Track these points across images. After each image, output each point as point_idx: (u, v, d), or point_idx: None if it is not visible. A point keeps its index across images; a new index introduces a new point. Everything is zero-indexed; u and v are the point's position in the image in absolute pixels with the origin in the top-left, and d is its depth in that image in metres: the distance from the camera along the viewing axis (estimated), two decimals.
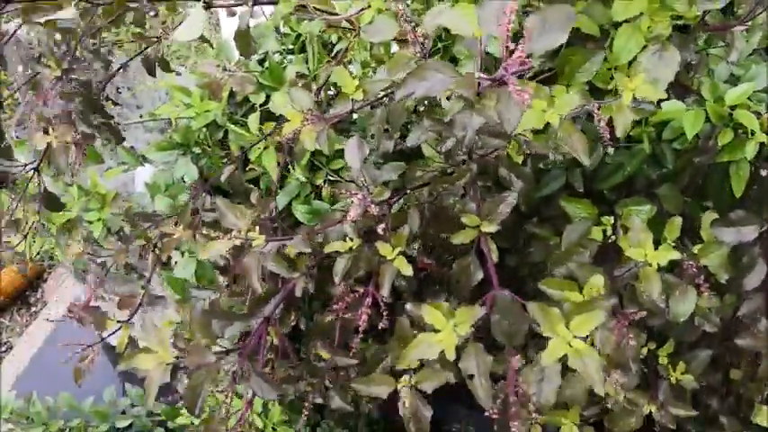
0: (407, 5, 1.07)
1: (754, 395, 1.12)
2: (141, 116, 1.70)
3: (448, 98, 0.90)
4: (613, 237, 1.04)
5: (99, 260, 1.26)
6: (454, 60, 1.15)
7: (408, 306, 0.94)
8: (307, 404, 1.05)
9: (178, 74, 1.50)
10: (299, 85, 1.32)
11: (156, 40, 1.25)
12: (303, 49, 1.46)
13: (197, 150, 1.48)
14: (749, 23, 1.00)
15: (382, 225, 1.00)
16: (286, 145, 1.28)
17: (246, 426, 0.90)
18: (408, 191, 1.11)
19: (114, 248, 1.28)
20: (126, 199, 1.54)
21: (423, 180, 1.11)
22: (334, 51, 1.42)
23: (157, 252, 1.22)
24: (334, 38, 1.43)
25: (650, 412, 1.08)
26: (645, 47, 0.92)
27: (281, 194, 1.41)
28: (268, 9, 1.31)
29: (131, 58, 1.31)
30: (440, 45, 1.25)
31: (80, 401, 1.92)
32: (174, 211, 1.37)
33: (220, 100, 1.43)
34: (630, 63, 0.94)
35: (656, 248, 0.96)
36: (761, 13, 0.99)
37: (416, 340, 0.84)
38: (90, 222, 1.46)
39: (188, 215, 1.20)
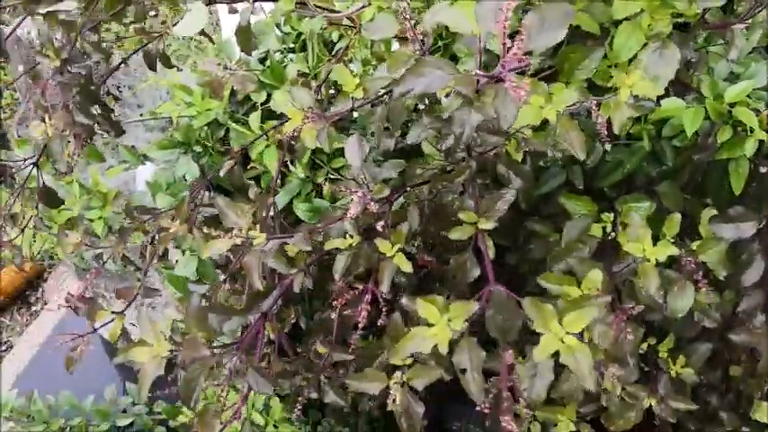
0: (408, 3, 1.07)
1: (753, 391, 1.12)
2: (142, 115, 1.70)
3: (447, 95, 0.90)
4: (613, 234, 1.05)
5: (96, 252, 1.26)
6: (455, 58, 1.15)
7: (404, 301, 0.94)
8: (301, 398, 1.05)
9: (179, 69, 1.50)
10: (300, 83, 1.32)
11: (157, 34, 1.25)
12: (304, 48, 1.47)
13: (198, 149, 1.49)
14: (749, 21, 1.00)
15: (382, 222, 1.00)
16: (287, 143, 1.28)
17: (244, 421, 0.89)
18: (408, 188, 1.11)
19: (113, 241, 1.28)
20: (127, 198, 1.54)
21: (423, 178, 1.11)
22: (335, 49, 1.42)
23: (155, 245, 1.22)
24: (335, 36, 1.44)
25: (650, 410, 1.09)
26: (645, 44, 0.93)
27: (282, 193, 1.41)
28: (268, 7, 1.31)
29: (133, 52, 1.31)
30: (441, 43, 1.26)
31: (81, 400, 1.92)
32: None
33: (222, 98, 1.43)
34: (631, 61, 0.94)
35: (654, 245, 0.97)
36: (760, 10, 0.99)
37: (410, 334, 0.84)
38: (91, 221, 1.47)
39: (185, 209, 1.19)
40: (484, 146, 1.03)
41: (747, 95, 1.06)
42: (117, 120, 1.23)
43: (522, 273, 1.20)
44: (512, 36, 0.73)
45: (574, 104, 0.91)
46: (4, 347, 2.69)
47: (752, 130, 1.04)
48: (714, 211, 1.01)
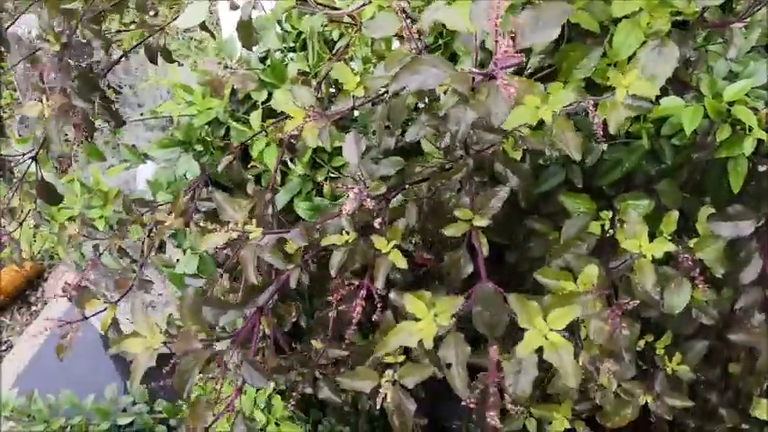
0: (408, 2, 1.07)
1: (752, 388, 1.12)
2: (143, 114, 1.71)
3: (446, 92, 0.91)
4: (611, 231, 1.05)
5: (93, 242, 1.26)
6: (454, 56, 1.16)
7: (392, 295, 0.94)
8: (295, 394, 1.05)
9: (180, 64, 1.50)
10: (301, 82, 1.32)
11: (158, 28, 1.25)
12: (304, 47, 1.47)
13: (199, 148, 1.49)
14: (748, 20, 1.00)
15: (379, 219, 1.01)
16: (287, 142, 1.28)
17: (237, 414, 0.89)
18: (407, 186, 1.11)
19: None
20: (128, 197, 1.55)
21: (422, 176, 1.11)
22: (336, 48, 1.43)
23: (152, 237, 1.22)
24: (335, 34, 1.44)
25: (646, 408, 1.09)
26: (644, 43, 0.93)
27: (282, 191, 1.42)
28: (268, 6, 1.31)
29: (135, 46, 1.31)
30: (441, 41, 1.26)
31: (81, 399, 1.92)
32: None
33: (222, 97, 1.43)
34: (630, 59, 0.94)
35: (652, 242, 0.96)
36: (759, 9, 0.99)
37: (397, 328, 0.84)
38: (92, 219, 1.47)
39: (181, 202, 1.19)
40: (481, 144, 1.03)
41: (746, 94, 1.06)
42: (117, 111, 1.23)
43: (521, 271, 1.20)
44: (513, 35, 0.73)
45: (571, 104, 0.91)
46: (4, 347, 2.70)
47: (750, 129, 1.04)
48: (712, 209, 1.01)
